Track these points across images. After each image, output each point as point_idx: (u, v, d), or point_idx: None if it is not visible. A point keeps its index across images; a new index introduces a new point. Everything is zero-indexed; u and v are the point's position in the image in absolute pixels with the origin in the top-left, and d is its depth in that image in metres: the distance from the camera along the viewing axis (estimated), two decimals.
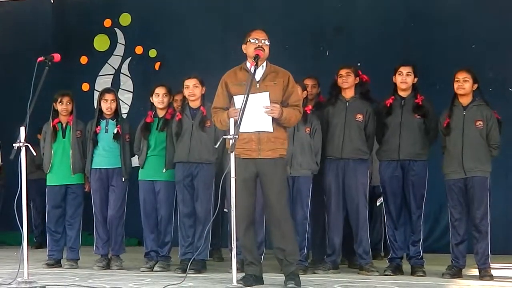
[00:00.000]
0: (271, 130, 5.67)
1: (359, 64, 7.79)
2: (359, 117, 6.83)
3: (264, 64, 5.82)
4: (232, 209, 5.24)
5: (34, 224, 9.90)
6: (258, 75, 5.77)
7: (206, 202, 6.93)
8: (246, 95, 5.34)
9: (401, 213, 6.82)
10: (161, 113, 7.19)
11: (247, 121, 5.46)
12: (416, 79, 6.80)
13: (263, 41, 5.75)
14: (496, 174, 6.79)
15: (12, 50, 10.56)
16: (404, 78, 6.76)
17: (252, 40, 5.77)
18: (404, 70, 6.77)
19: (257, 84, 5.73)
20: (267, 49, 5.78)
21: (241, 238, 5.75)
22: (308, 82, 7.23)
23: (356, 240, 6.83)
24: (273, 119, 5.68)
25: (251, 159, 5.70)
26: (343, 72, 6.87)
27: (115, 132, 7.29)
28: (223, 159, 6.80)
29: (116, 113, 7.41)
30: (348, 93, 6.90)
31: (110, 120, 7.36)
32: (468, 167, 6.47)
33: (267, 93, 5.62)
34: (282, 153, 5.82)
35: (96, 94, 10.19)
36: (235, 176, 5.24)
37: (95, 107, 7.55)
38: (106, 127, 7.33)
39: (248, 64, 5.80)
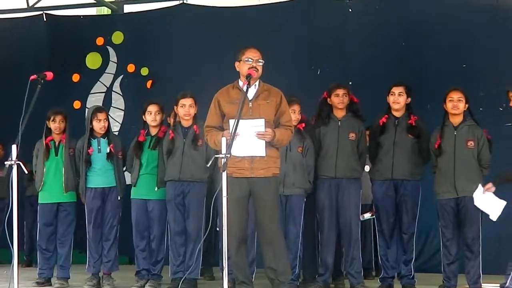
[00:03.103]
0: (263, 154, 5.68)
1: (350, 83, 7.82)
2: (352, 136, 6.84)
3: (257, 83, 5.83)
4: (223, 228, 5.23)
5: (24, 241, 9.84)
6: (251, 94, 5.79)
7: (197, 221, 6.93)
8: (238, 114, 5.35)
9: (393, 233, 6.83)
10: (153, 131, 7.19)
11: (240, 146, 5.48)
12: (409, 99, 6.83)
13: (257, 61, 5.77)
14: None
15: (4, 67, 10.55)
16: (396, 98, 6.79)
17: (246, 59, 5.78)
18: (396, 90, 6.81)
19: (250, 103, 5.74)
20: (260, 69, 5.80)
21: (233, 256, 5.74)
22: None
23: (348, 260, 6.83)
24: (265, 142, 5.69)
25: (243, 178, 5.70)
26: (340, 91, 6.87)
27: (108, 152, 7.29)
28: (215, 177, 6.80)
29: (108, 131, 7.42)
30: (340, 112, 6.92)
31: (101, 138, 7.36)
32: (460, 187, 6.49)
33: (263, 119, 5.62)
34: (275, 172, 5.82)
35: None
36: (228, 194, 5.21)
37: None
38: (99, 147, 7.33)
39: (241, 83, 5.81)
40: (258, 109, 5.74)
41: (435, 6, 8.96)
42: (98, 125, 7.33)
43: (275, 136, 5.68)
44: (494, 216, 6.35)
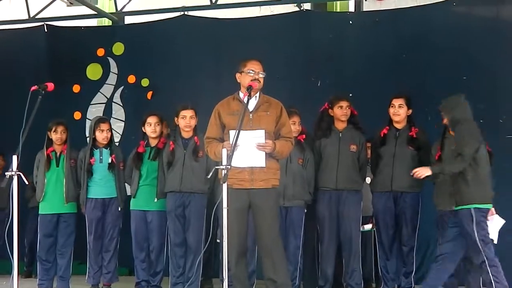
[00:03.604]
0: (263, 165, 5.67)
1: (350, 95, 7.82)
2: (353, 147, 6.85)
3: (258, 94, 5.84)
4: (224, 240, 5.23)
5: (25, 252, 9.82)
6: (251, 106, 5.79)
7: (197, 232, 6.93)
8: (238, 126, 5.35)
9: (393, 244, 6.84)
10: (153, 142, 7.20)
11: (240, 157, 5.48)
12: (410, 111, 6.84)
13: (259, 73, 5.77)
14: None
15: (5, 78, 10.56)
16: (397, 110, 6.81)
17: (248, 71, 5.78)
18: (396, 102, 6.83)
19: (250, 115, 5.74)
20: (262, 81, 5.80)
21: (233, 268, 5.73)
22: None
23: (348, 271, 6.83)
24: (266, 153, 5.69)
25: (243, 189, 5.70)
26: (344, 104, 6.89)
27: (110, 162, 7.30)
28: (215, 189, 6.80)
29: (110, 141, 7.43)
30: (341, 124, 6.93)
31: (103, 149, 7.37)
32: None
33: (263, 131, 5.62)
34: (275, 184, 5.82)
35: (88, 123, 10.24)
36: (228, 206, 5.22)
37: (88, 136, 7.56)
38: (101, 157, 7.35)
39: (241, 94, 5.82)
40: (258, 121, 5.74)
41: (435, 18, 8.96)
42: (101, 136, 7.35)
43: (275, 147, 5.68)
44: (495, 237, 6.33)
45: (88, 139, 9.91)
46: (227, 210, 5.21)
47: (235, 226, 5.55)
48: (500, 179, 6.78)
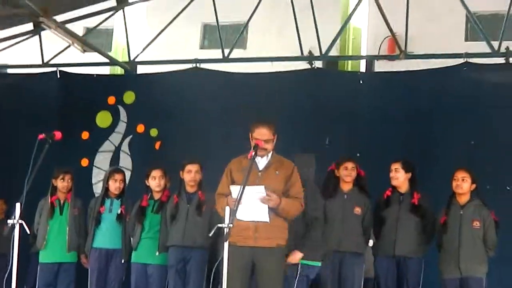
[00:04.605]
0: (267, 220, 5.62)
1: (358, 155, 7.81)
2: (358, 210, 6.82)
3: (270, 154, 5.82)
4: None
5: None
6: (262, 164, 5.78)
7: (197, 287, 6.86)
8: (244, 182, 5.33)
9: None
10: (157, 196, 7.20)
11: (244, 211, 5.44)
12: (409, 174, 6.81)
13: (266, 142, 5.73)
14: (492, 274, 6.73)
15: (15, 122, 10.60)
16: (394, 175, 6.84)
17: (255, 138, 5.76)
18: (393, 166, 6.87)
19: (259, 173, 5.73)
20: (270, 147, 5.77)
21: None
22: None
23: None
24: (270, 208, 5.64)
25: (247, 247, 5.63)
26: (349, 165, 6.89)
27: (119, 213, 7.29)
28: (218, 244, 6.74)
29: (122, 192, 7.43)
30: (347, 186, 6.91)
31: (115, 199, 7.38)
32: (464, 267, 6.44)
33: (263, 186, 5.59)
34: (280, 243, 5.73)
35: (95, 171, 10.24)
36: (230, 263, 5.20)
37: (93, 183, 7.55)
38: (111, 207, 7.36)
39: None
40: (267, 179, 5.71)
41: (446, 82, 8.97)
42: (114, 185, 7.38)
43: (280, 203, 5.62)
44: None
45: (94, 186, 10.03)
46: (230, 267, 5.18)
47: (237, 284, 5.49)
48: (507, 247, 6.73)
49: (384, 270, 6.76)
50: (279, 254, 5.76)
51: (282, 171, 5.79)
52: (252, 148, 5.67)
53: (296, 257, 6.18)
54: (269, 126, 5.81)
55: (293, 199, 5.76)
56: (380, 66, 10.82)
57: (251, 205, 5.56)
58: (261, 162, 5.79)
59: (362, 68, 11.25)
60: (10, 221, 5.54)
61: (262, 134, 5.76)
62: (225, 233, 5.16)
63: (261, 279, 5.66)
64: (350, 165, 6.89)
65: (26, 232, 5.88)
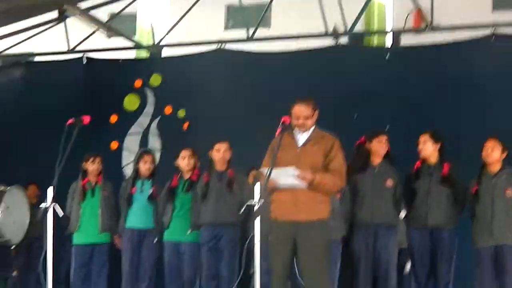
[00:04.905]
0: (304, 187, 5.55)
1: (387, 128, 7.79)
2: (389, 183, 6.80)
3: (311, 130, 5.80)
4: (256, 273, 5.22)
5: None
6: (302, 140, 5.76)
7: (231, 264, 6.91)
8: (272, 161, 5.37)
9: (428, 281, 6.74)
10: (187, 175, 7.25)
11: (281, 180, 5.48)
12: (438, 144, 6.78)
13: (305, 119, 5.73)
14: None
15: (44, 109, 10.71)
16: (422, 146, 6.79)
17: (294, 116, 5.75)
18: (421, 138, 6.82)
19: (298, 149, 5.73)
20: (309, 122, 5.75)
21: None
22: None
23: None
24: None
25: (287, 222, 5.62)
26: (383, 138, 6.88)
27: (150, 193, 7.35)
28: (249, 221, 6.77)
29: (153, 174, 7.49)
30: (377, 159, 6.89)
31: (146, 180, 7.44)
32: (497, 236, 6.42)
33: (293, 167, 5.52)
34: (321, 216, 5.66)
35: (124, 153, 10.33)
36: (271, 238, 5.38)
37: (122, 166, 7.61)
38: (142, 188, 7.42)
39: (296, 130, 5.81)
40: (304, 155, 5.68)
41: (472, 53, 8.90)
42: (144, 167, 7.45)
43: (314, 179, 5.58)
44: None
45: (123, 169, 10.11)
46: (271, 242, 5.37)
47: (277, 259, 5.57)
48: None
49: (417, 242, 6.74)
50: (321, 227, 5.66)
51: (321, 145, 5.73)
52: (280, 125, 5.66)
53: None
54: (307, 102, 5.77)
55: (332, 174, 5.68)
56: (406, 41, 10.74)
57: (285, 180, 5.56)
58: (301, 138, 5.77)
59: (388, 43, 11.18)
60: (43, 205, 5.62)
61: (300, 111, 5.73)
62: (255, 210, 5.20)
63: (302, 253, 5.61)
64: (384, 138, 6.88)
65: (59, 216, 5.98)
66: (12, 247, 10.16)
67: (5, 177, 10.44)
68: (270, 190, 5.61)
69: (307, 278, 5.62)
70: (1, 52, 11.67)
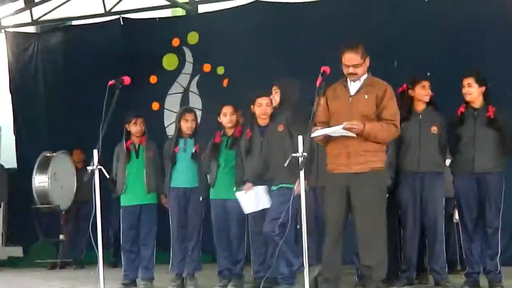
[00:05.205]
0: (354, 135, 5.52)
1: (428, 74, 7.67)
2: (434, 129, 6.70)
3: (363, 78, 5.71)
4: (303, 227, 5.21)
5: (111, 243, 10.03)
6: (354, 89, 5.70)
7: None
8: (312, 114, 5.38)
9: (476, 227, 6.65)
10: (229, 132, 7.22)
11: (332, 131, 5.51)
12: (483, 88, 6.64)
13: (354, 67, 5.64)
14: None
15: (83, 72, 10.78)
16: (467, 90, 6.63)
17: (344, 64, 5.68)
18: (466, 81, 6.65)
19: (350, 98, 5.67)
20: (360, 71, 5.65)
21: (326, 252, 5.69)
22: None
23: (432, 255, 6.71)
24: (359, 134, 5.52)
25: (341, 174, 5.62)
26: (426, 83, 6.78)
27: (193, 152, 7.36)
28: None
29: (195, 132, 7.50)
30: (421, 106, 6.80)
31: (188, 139, 7.44)
32: None
33: (341, 125, 5.47)
34: (375, 166, 5.60)
35: (166, 113, 10.38)
36: (327, 190, 5.64)
37: (165, 125, 7.63)
38: (184, 147, 7.41)
39: (348, 80, 5.74)
40: (356, 104, 5.63)
41: None
42: (185, 125, 7.43)
43: (364, 129, 5.49)
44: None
45: (166, 128, 10.16)
46: (327, 194, 5.63)
47: (333, 209, 5.62)
48: None
49: (464, 188, 6.65)
50: (374, 177, 5.61)
51: (372, 94, 5.64)
52: (320, 74, 5.59)
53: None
54: (356, 50, 5.64)
55: (386, 122, 5.60)
56: None
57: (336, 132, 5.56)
58: (353, 86, 5.71)
59: None
60: (89, 168, 5.68)
61: (348, 59, 5.64)
62: (299, 162, 5.18)
63: (356, 203, 5.59)
64: (427, 83, 6.78)
65: (106, 178, 6.04)
66: (62, 212, 10.39)
67: (49, 142, 10.60)
68: (321, 142, 5.75)
69: (360, 229, 5.60)
70: (40, 18, 11.74)
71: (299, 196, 5.38)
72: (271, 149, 6.62)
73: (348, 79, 5.74)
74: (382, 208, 5.71)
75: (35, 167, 10.17)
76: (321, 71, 5.59)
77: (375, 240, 5.61)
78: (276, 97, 6.65)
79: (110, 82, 5.99)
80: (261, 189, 6.75)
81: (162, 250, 7.88)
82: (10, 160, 11.72)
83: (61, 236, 10.41)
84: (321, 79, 5.57)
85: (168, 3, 11.27)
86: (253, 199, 6.79)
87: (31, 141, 11.38)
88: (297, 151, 5.26)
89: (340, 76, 5.82)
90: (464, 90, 6.68)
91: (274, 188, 6.52)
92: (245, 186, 6.82)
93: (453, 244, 7.98)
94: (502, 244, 6.74)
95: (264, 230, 6.42)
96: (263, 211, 6.74)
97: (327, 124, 5.70)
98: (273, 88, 6.67)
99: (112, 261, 10.04)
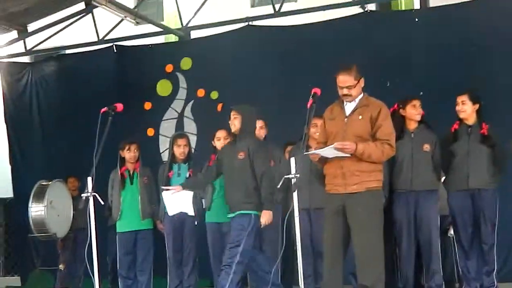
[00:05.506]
0: (346, 154, 5.55)
1: (421, 93, 7.71)
2: (426, 147, 6.73)
3: (358, 99, 5.74)
4: (298, 247, 5.23)
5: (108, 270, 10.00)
6: (349, 110, 5.74)
7: (273, 242, 6.91)
8: (305, 133, 5.35)
9: (472, 244, 6.67)
10: None
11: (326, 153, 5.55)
12: (477, 105, 6.69)
13: (348, 88, 5.67)
14: None
15: (76, 101, 10.81)
16: (461, 107, 6.70)
17: (338, 86, 5.74)
18: (460, 99, 6.73)
19: (345, 119, 5.71)
20: (354, 91, 5.69)
21: (325, 276, 5.71)
22: None
23: (428, 273, 6.70)
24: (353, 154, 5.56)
25: (338, 194, 5.65)
26: (417, 103, 6.82)
27: (187, 177, 7.38)
28: (289, 197, 6.76)
29: (189, 157, 7.52)
30: (413, 124, 6.83)
31: (182, 164, 7.47)
32: None
33: (333, 145, 5.51)
34: (370, 186, 5.61)
35: (161, 139, 10.39)
36: (325, 211, 5.60)
37: (160, 151, 7.65)
38: (179, 171, 7.44)
39: (344, 101, 5.78)
40: (351, 125, 5.67)
41: (503, 8, 8.75)
42: (178, 151, 7.46)
43: (356, 149, 5.53)
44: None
45: (161, 154, 10.17)
46: (325, 214, 5.60)
47: (329, 231, 5.64)
48: None
49: (458, 205, 6.67)
50: (370, 197, 5.62)
51: (366, 114, 5.67)
52: (311, 96, 5.64)
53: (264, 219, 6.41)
54: (349, 72, 5.69)
55: (378, 142, 5.62)
56: (435, 1, 10.61)
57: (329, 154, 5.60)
58: (348, 107, 5.74)
59: (416, 5, 11.05)
60: (84, 195, 5.70)
61: (342, 81, 5.69)
62: (293, 183, 5.21)
63: (352, 223, 5.61)
64: (417, 103, 6.82)
65: (101, 204, 6.05)
66: (58, 240, 10.35)
67: (45, 171, 10.59)
68: (318, 162, 5.78)
69: (357, 248, 5.62)
70: (33, 47, 11.79)
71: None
72: (229, 175, 6.66)
73: (344, 100, 5.78)
74: (378, 227, 5.70)
75: (31, 196, 10.14)
76: (312, 93, 5.63)
77: (372, 260, 5.61)
78: (235, 122, 6.66)
79: (103, 110, 6.03)
80: (188, 195, 6.98)
81: (160, 275, 7.87)
82: (6, 190, 11.72)
83: (60, 266, 10.38)
84: (312, 101, 5.62)
85: (161, 29, 11.33)
86: (177, 201, 7.03)
87: (27, 170, 11.37)
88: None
89: (335, 98, 5.87)
90: (458, 108, 6.73)
91: (231, 215, 6.55)
92: (175, 187, 6.89)
93: (450, 261, 7.97)
94: (499, 260, 6.76)
95: (224, 259, 6.45)
96: (263, 237, 6.78)
97: (326, 145, 5.73)
98: (232, 113, 6.69)
99: None
